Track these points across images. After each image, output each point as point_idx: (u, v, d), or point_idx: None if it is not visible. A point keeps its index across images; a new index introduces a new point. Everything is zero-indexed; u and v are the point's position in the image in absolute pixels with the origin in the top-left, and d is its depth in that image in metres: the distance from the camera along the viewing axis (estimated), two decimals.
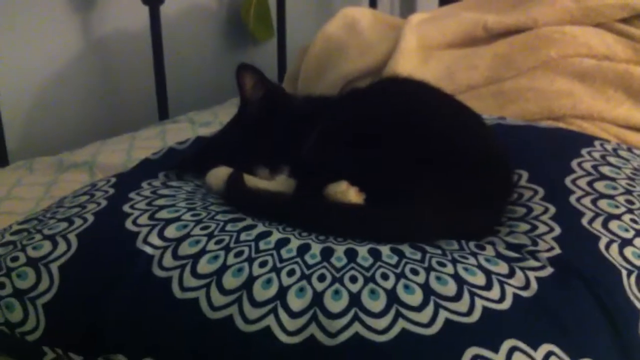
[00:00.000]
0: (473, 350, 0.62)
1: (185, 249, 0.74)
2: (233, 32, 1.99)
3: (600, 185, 0.85)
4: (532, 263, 0.73)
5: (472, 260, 0.72)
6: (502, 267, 0.72)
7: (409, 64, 1.46)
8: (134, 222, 0.79)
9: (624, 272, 0.72)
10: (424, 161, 0.81)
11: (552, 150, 0.95)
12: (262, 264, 0.71)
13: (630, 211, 0.81)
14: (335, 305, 0.66)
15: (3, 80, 1.40)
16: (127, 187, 0.89)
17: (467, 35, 1.52)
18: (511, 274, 0.71)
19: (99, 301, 0.73)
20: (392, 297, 0.67)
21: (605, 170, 0.88)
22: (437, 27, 1.56)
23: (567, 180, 0.86)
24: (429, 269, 0.70)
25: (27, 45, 1.49)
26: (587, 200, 0.83)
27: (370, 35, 1.62)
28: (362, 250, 0.73)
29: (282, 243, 0.74)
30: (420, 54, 1.51)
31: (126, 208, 0.83)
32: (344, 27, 1.67)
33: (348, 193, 0.79)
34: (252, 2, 1.92)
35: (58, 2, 1.54)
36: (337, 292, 0.67)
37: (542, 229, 0.79)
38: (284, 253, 0.73)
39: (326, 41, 1.65)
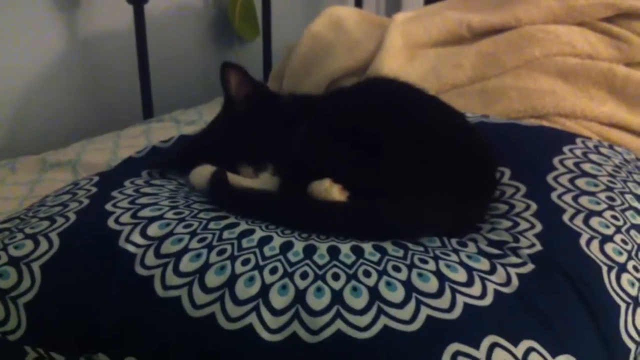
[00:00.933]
0: (454, 347, 0.62)
1: (168, 247, 0.74)
2: (218, 31, 1.98)
3: (581, 182, 0.86)
4: (514, 259, 0.74)
5: (453, 257, 0.73)
6: (484, 264, 0.72)
7: (394, 62, 1.47)
8: (116, 221, 0.79)
9: (605, 268, 0.73)
10: (407, 159, 0.81)
11: (534, 147, 0.95)
12: (245, 262, 0.71)
13: (611, 208, 0.82)
14: (317, 302, 0.66)
15: None
16: (110, 185, 0.89)
17: (451, 34, 1.53)
18: (492, 270, 0.71)
19: (80, 300, 0.72)
20: (374, 294, 0.67)
21: (587, 167, 0.89)
22: (422, 25, 1.56)
23: (549, 177, 0.87)
24: (411, 266, 0.71)
25: (11, 44, 1.48)
26: (568, 197, 0.83)
27: (356, 33, 1.62)
28: (345, 247, 0.73)
29: (264, 241, 0.74)
30: (406, 52, 1.52)
31: (108, 207, 0.82)
32: (329, 25, 1.67)
33: (332, 190, 0.79)
34: (238, 1, 1.92)
35: (42, 1, 1.53)
36: (319, 289, 0.67)
37: (524, 225, 0.80)
38: (266, 251, 0.73)
39: (312, 40, 1.65)
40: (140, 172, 0.95)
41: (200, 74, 1.92)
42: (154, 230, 0.77)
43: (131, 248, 0.75)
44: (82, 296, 0.73)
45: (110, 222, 0.79)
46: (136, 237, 0.76)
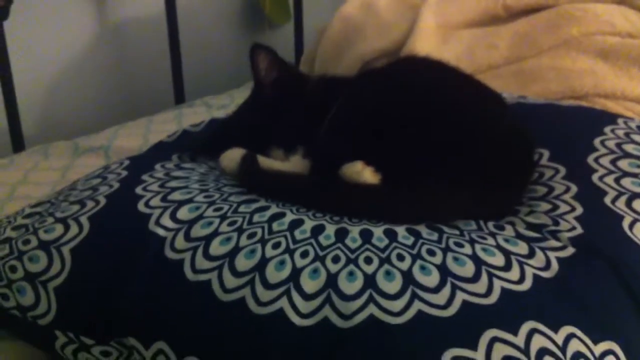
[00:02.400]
0: (491, 333, 0.60)
1: (198, 230, 0.73)
2: (249, 16, 1.97)
3: (623, 164, 0.83)
4: (553, 243, 0.71)
5: (490, 241, 0.71)
6: (522, 248, 0.70)
7: (427, 43, 1.44)
8: (146, 204, 0.78)
9: None
10: (443, 141, 0.79)
11: (574, 128, 0.92)
12: (276, 246, 0.70)
13: None
14: (349, 286, 0.65)
15: (19, 66, 1.40)
16: (140, 169, 0.88)
17: (486, 14, 1.49)
18: (531, 254, 0.69)
19: (110, 284, 0.72)
20: (408, 278, 0.65)
21: (629, 148, 0.86)
22: (456, 5, 1.53)
23: (590, 159, 0.84)
24: (446, 250, 0.69)
25: (43, 31, 1.49)
26: (610, 179, 0.80)
27: (388, 15, 1.59)
28: (378, 231, 0.71)
29: (295, 224, 0.73)
30: (439, 33, 1.49)
31: (139, 190, 0.82)
32: (361, 7, 1.65)
33: (364, 173, 0.78)
34: None
35: None
36: (351, 273, 0.66)
37: (564, 208, 0.77)
38: (297, 234, 0.71)
39: (343, 22, 1.63)
40: (170, 156, 0.94)
41: (231, 58, 1.91)
42: (184, 213, 0.76)
43: (161, 232, 0.74)
44: (112, 280, 0.72)
45: (141, 206, 0.78)
46: (166, 221, 0.75)
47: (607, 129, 0.90)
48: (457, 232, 0.72)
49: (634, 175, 0.81)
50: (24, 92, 1.43)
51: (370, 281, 0.65)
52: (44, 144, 1.38)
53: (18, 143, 1.41)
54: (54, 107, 1.55)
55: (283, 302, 0.65)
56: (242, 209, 0.76)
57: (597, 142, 0.87)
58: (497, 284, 0.64)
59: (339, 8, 1.67)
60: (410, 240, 0.70)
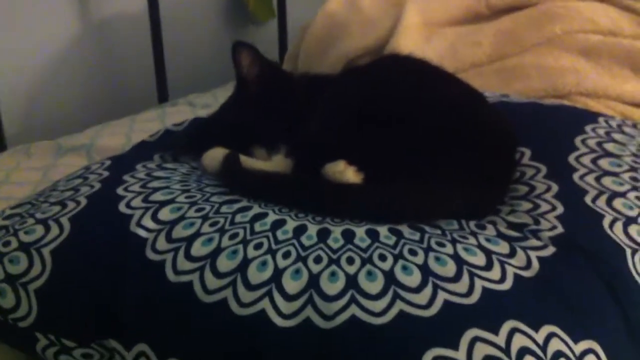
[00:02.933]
0: (473, 332, 0.60)
1: (179, 231, 0.73)
2: (233, 13, 1.97)
3: (604, 163, 0.83)
4: (534, 242, 0.72)
5: (472, 240, 0.71)
6: (503, 247, 0.70)
7: (411, 41, 1.44)
8: (128, 205, 0.78)
9: (629, 251, 0.71)
10: (425, 140, 0.79)
11: (555, 127, 0.93)
12: (258, 246, 0.69)
13: (635, 189, 0.79)
14: (331, 287, 0.65)
15: (1, 63, 1.38)
16: (122, 169, 0.88)
17: (470, 12, 1.50)
18: (512, 253, 0.69)
19: (91, 286, 0.72)
20: (390, 278, 0.65)
21: (610, 147, 0.86)
22: (440, 3, 1.53)
23: (571, 158, 0.84)
24: (427, 250, 0.69)
25: (25, 29, 1.48)
26: (590, 178, 0.81)
27: (372, 12, 1.59)
28: (360, 231, 0.71)
29: (277, 224, 0.73)
30: (423, 30, 1.49)
31: (120, 191, 0.81)
32: (344, 4, 1.64)
33: (346, 172, 0.78)
34: None
35: None
36: (333, 273, 0.66)
37: (545, 207, 0.77)
38: (279, 235, 0.71)
39: (327, 19, 1.62)
40: (152, 156, 0.94)
41: (214, 57, 1.90)
42: (165, 214, 0.75)
43: (142, 232, 0.73)
44: (93, 281, 0.72)
45: (122, 207, 0.78)
46: (147, 222, 0.75)
47: (588, 128, 0.91)
48: (439, 232, 0.73)
49: (615, 174, 0.81)
50: (6, 91, 1.42)
51: (352, 281, 0.65)
52: (26, 144, 1.36)
53: (0, 143, 1.40)
54: (36, 106, 1.54)
55: (265, 303, 0.65)
56: (224, 209, 0.76)
57: (578, 140, 0.87)
58: (478, 284, 0.65)
59: (323, 5, 1.66)
60: (392, 240, 0.70)
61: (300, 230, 0.72)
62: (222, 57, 1.87)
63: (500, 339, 0.60)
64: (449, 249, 0.69)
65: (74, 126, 1.48)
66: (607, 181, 0.80)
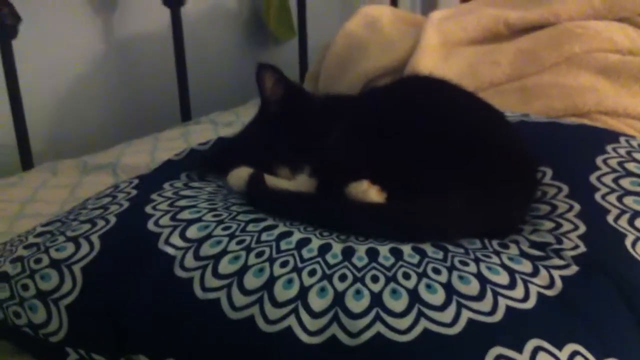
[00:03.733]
0: (497, 350, 0.61)
1: (207, 249, 0.74)
2: (254, 33, 1.99)
3: (626, 182, 0.84)
4: (557, 261, 0.72)
5: (495, 259, 0.72)
6: (526, 266, 0.71)
7: (430, 61, 1.45)
8: (156, 223, 0.79)
9: None
10: (447, 160, 0.80)
11: (576, 147, 0.93)
12: (283, 264, 0.71)
13: None
14: (356, 305, 0.66)
15: (27, 83, 1.41)
16: (149, 188, 0.89)
17: (488, 32, 1.51)
18: (535, 272, 0.70)
19: (121, 302, 0.73)
20: (414, 296, 0.66)
21: (631, 166, 0.87)
22: (459, 23, 1.54)
23: (592, 178, 0.85)
24: (451, 268, 0.70)
25: (49, 49, 1.51)
26: (612, 198, 0.81)
27: (391, 33, 1.61)
28: (384, 249, 0.72)
29: (303, 243, 0.74)
30: (442, 51, 1.50)
31: (148, 209, 0.83)
32: (364, 25, 1.66)
33: (369, 192, 0.79)
34: (273, 2, 1.92)
35: (80, 4, 1.56)
36: (358, 291, 0.67)
37: (567, 226, 0.78)
38: (305, 253, 0.72)
39: (347, 39, 1.64)
40: (179, 175, 0.95)
41: (236, 75, 1.93)
42: (193, 232, 0.77)
43: (170, 250, 0.75)
44: (122, 298, 0.73)
45: (150, 225, 0.79)
46: (175, 240, 0.76)
47: (609, 148, 0.91)
48: (462, 251, 0.73)
49: (637, 193, 0.82)
50: (32, 110, 1.45)
51: (376, 299, 0.66)
52: (53, 162, 1.39)
53: (27, 161, 1.43)
54: (61, 125, 1.57)
55: (291, 320, 0.66)
56: (250, 227, 0.77)
57: (599, 160, 0.88)
58: (502, 302, 0.65)
59: (343, 25, 1.68)
60: (415, 259, 0.71)
61: (325, 249, 0.73)
62: (244, 76, 1.90)
63: (525, 358, 0.61)
64: (472, 267, 0.70)
65: (98, 144, 1.50)
66: (628, 201, 0.81)
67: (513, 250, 0.74)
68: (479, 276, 0.68)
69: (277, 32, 1.97)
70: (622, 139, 0.94)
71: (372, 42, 1.60)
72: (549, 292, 0.68)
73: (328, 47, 1.68)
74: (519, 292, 0.67)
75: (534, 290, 0.67)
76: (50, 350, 0.76)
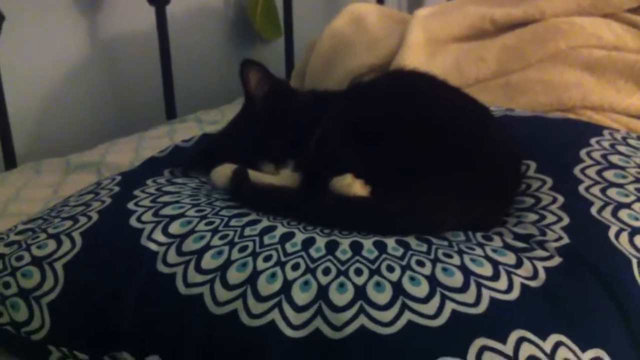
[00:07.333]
0: (480, 341, 0.61)
1: (190, 244, 0.74)
2: (240, 31, 1.98)
3: (609, 174, 0.84)
4: (540, 253, 0.72)
5: (478, 251, 0.72)
6: (510, 258, 0.71)
7: (416, 58, 1.45)
8: (138, 219, 0.79)
9: (634, 261, 0.71)
10: (431, 152, 0.80)
11: (560, 140, 0.94)
12: (267, 259, 0.70)
13: None
14: (340, 298, 0.65)
15: (10, 82, 1.40)
16: (132, 184, 0.89)
17: (474, 28, 1.51)
18: (519, 264, 0.70)
19: (103, 299, 0.73)
20: (398, 289, 0.66)
21: (615, 159, 0.87)
22: (444, 20, 1.55)
23: (576, 170, 0.85)
24: (435, 261, 0.69)
25: (33, 48, 1.50)
26: (596, 190, 0.81)
27: (377, 30, 1.61)
28: (367, 242, 0.72)
29: (286, 237, 0.73)
30: (428, 48, 1.50)
31: (131, 205, 0.82)
32: (350, 22, 1.66)
33: (353, 186, 0.79)
34: (259, 1, 1.92)
35: (64, 4, 1.55)
36: (342, 285, 0.67)
37: (551, 218, 0.78)
38: (288, 247, 0.72)
39: (333, 37, 1.64)
40: (162, 171, 0.95)
41: (222, 74, 1.92)
42: (175, 228, 0.76)
43: (153, 246, 0.74)
44: (105, 295, 0.73)
45: (133, 221, 0.79)
46: (158, 235, 0.76)
47: (593, 141, 0.91)
48: (446, 243, 0.73)
49: (620, 185, 0.82)
50: (16, 109, 1.43)
51: (360, 292, 0.66)
52: (36, 161, 1.38)
53: (10, 160, 1.41)
54: (45, 124, 1.55)
55: (275, 314, 0.65)
56: (233, 222, 0.77)
57: (583, 153, 0.88)
58: (486, 294, 0.65)
59: (329, 23, 1.68)
60: (399, 252, 0.71)
61: (308, 243, 0.73)
62: (230, 75, 1.89)
63: (508, 348, 0.61)
64: (456, 260, 0.70)
65: (83, 144, 1.49)
66: (612, 192, 0.81)
67: (497, 242, 0.74)
68: (463, 268, 0.68)
69: (263, 31, 1.96)
70: (605, 132, 0.94)
71: (358, 39, 1.60)
72: (533, 284, 0.68)
73: (314, 45, 1.68)
74: (502, 283, 0.67)
75: (517, 281, 0.67)
76: (32, 349, 0.75)
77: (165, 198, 0.83)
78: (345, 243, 0.72)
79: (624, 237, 0.74)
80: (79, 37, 1.59)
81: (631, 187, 0.82)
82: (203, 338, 0.67)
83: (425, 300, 0.65)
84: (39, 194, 1.22)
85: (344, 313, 0.64)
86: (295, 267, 0.69)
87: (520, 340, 0.61)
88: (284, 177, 0.87)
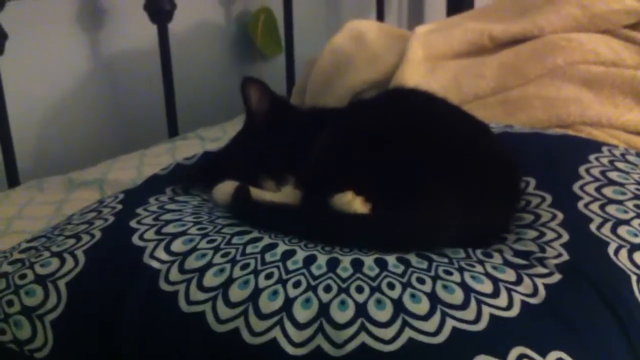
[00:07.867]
0: (481, 359, 0.61)
1: (192, 262, 0.74)
2: (241, 49, 2.00)
3: (608, 191, 0.85)
4: (540, 270, 0.73)
5: (479, 268, 0.72)
6: (510, 275, 0.71)
7: (415, 74, 1.46)
8: (141, 237, 0.79)
9: (634, 277, 0.72)
10: (431, 169, 0.81)
11: (559, 156, 0.94)
12: (268, 276, 0.71)
13: (639, 216, 0.80)
14: (341, 315, 0.66)
15: (13, 100, 1.41)
16: (135, 202, 0.89)
17: (473, 45, 1.52)
18: (519, 281, 0.70)
19: (106, 317, 0.73)
20: (399, 306, 0.66)
21: (614, 175, 0.88)
22: (443, 37, 1.56)
23: (575, 187, 0.86)
24: (435, 278, 0.70)
25: (36, 66, 1.51)
26: (595, 206, 0.82)
27: (377, 47, 1.62)
28: (368, 260, 0.73)
29: (288, 255, 0.74)
30: (427, 64, 1.51)
31: (133, 223, 0.83)
32: (350, 39, 1.67)
33: (354, 203, 0.79)
34: (260, 18, 1.93)
35: (66, 21, 1.56)
36: (343, 302, 0.67)
37: (550, 235, 0.79)
38: (289, 265, 0.72)
39: (333, 54, 1.65)
40: (164, 189, 0.96)
41: (223, 91, 1.93)
42: (177, 246, 0.77)
43: (155, 264, 0.75)
44: (108, 313, 0.73)
45: (135, 239, 0.79)
46: (160, 253, 0.76)
47: (592, 157, 0.92)
48: (446, 260, 0.74)
49: (619, 202, 0.83)
50: (18, 127, 1.44)
51: (361, 310, 0.66)
52: (39, 179, 1.39)
53: (13, 178, 1.42)
54: (48, 142, 1.56)
55: (276, 332, 0.66)
56: (235, 240, 0.77)
57: (582, 170, 0.89)
58: (486, 311, 0.66)
59: (329, 40, 1.69)
60: (400, 269, 0.71)
61: (310, 260, 0.73)
62: (231, 92, 1.89)
63: None
64: (456, 277, 0.70)
65: (85, 161, 1.50)
66: (611, 209, 0.81)
67: (497, 259, 0.75)
68: (463, 285, 0.69)
69: (264, 48, 1.98)
70: (604, 149, 0.95)
71: (358, 56, 1.61)
72: (533, 300, 0.68)
73: (315, 62, 1.69)
74: (502, 300, 0.67)
75: (517, 298, 0.68)
76: None
77: (168, 216, 0.84)
78: (346, 260, 0.73)
79: (624, 253, 0.75)
80: (82, 55, 1.61)
81: (630, 204, 0.82)
82: (205, 356, 0.68)
83: (426, 317, 0.65)
84: (41, 211, 1.22)
85: (345, 330, 0.64)
86: (297, 284, 0.70)
87: (521, 357, 0.62)
88: (285, 195, 0.88)
